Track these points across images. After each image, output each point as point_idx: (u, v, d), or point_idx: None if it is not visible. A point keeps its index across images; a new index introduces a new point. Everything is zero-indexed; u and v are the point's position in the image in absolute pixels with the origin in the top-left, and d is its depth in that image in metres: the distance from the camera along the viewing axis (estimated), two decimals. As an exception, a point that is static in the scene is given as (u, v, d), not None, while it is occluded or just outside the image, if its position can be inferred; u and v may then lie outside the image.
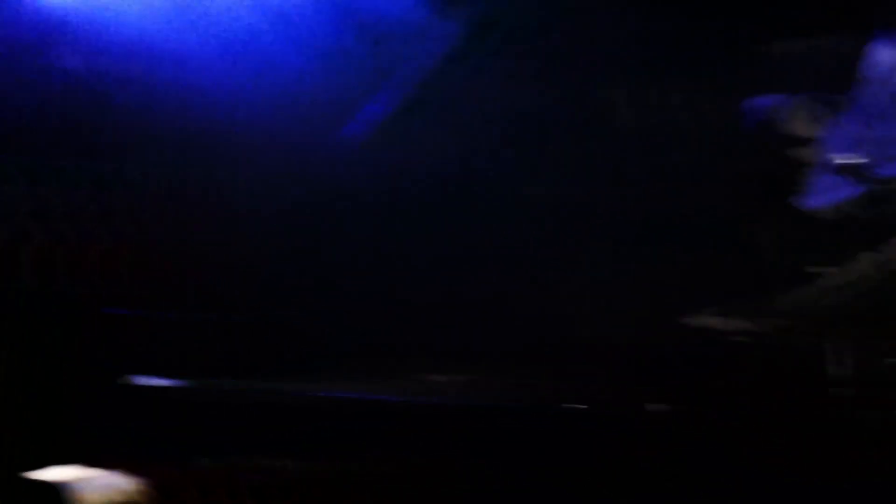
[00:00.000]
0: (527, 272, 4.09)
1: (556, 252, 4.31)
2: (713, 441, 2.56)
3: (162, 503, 3.03)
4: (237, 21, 3.92)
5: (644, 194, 5.05)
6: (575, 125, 4.62)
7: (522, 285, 4.16)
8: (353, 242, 3.88)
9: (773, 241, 2.78)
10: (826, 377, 2.83)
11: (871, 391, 4.77)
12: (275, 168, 3.92)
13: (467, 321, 3.54)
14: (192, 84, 3.88)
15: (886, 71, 5.02)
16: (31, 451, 3.27)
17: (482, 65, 4.20)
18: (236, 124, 3.91)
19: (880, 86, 5.00)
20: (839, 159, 2.63)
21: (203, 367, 3.44)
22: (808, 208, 4.67)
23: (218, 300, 3.68)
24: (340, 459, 3.07)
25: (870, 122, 5.10)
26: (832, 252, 2.93)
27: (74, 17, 3.88)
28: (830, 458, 2.44)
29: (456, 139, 4.09)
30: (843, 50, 5.21)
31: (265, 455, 3.15)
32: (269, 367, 3.43)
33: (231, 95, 3.93)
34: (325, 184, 3.89)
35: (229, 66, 3.92)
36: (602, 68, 4.84)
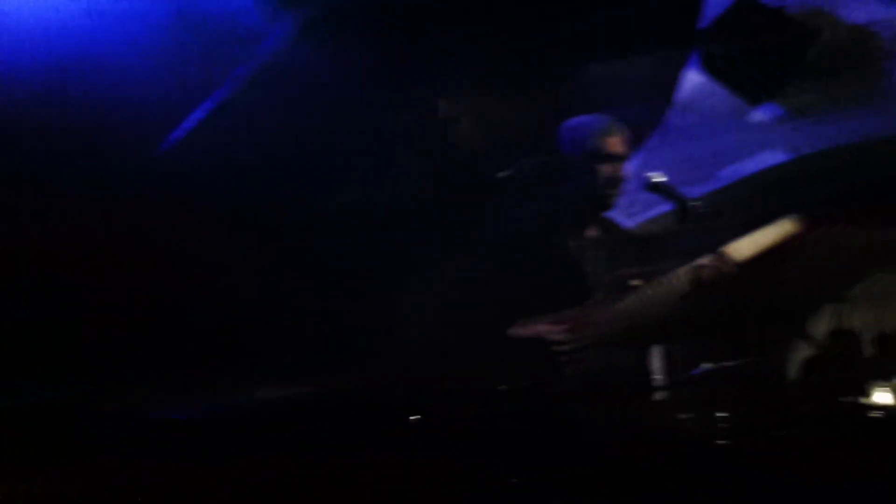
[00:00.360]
0: (354, 278, 4.12)
1: (381, 258, 4.36)
2: (542, 445, 2.66)
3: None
4: (61, 20, 3.68)
5: (473, 205, 5.19)
6: (394, 133, 4.70)
7: (354, 292, 4.17)
8: (174, 243, 3.75)
9: (595, 254, 2.93)
10: (644, 384, 2.99)
11: (687, 395, 5.13)
12: (93, 170, 3.73)
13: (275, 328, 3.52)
14: (11, 83, 3.63)
15: (696, 94, 5.41)
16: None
17: (311, 67, 4.18)
18: (55, 124, 3.69)
19: (690, 108, 5.38)
20: (651, 178, 2.79)
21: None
22: (624, 225, 4.96)
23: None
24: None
25: (679, 142, 5.48)
26: (650, 266, 3.11)
27: None
28: (652, 460, 2.58)
29: (280, 142, 4.05)
30: (655, 72, 5.58)
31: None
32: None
33: (51, 95, 3.69)
34: (138, 187, 3.75)
35: (53, 65, 3.69)
36: (425, 81, 4.95)
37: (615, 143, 2.80)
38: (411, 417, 3.12)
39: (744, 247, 2.74)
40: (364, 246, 4.24)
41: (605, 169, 2.78)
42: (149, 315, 3.58)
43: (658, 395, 4.97)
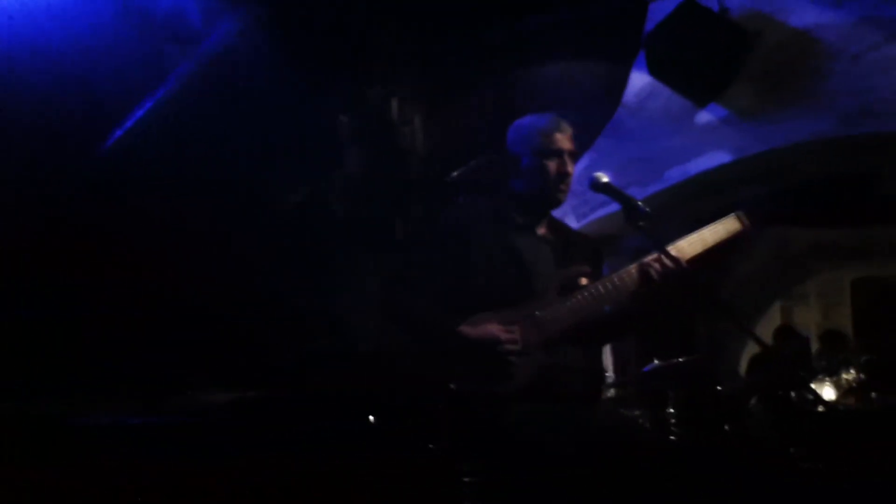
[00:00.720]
0: (299, 278, 4.10)
1: (327, 256, 4.34)
2: (493, 444, 2.67)
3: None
4: (7, 14, 3.59)
5: (422, 204, 5.20)
6: (342, 133, 4.69)
7: (301, 292, 4.15)
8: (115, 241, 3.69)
9: (545, 253, 2.94)
10: (595, 382, 3.01)
11: (638, 392, 5.18)
12: (32, 169, 3.64)
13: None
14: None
15: (642, 97, 5.48)
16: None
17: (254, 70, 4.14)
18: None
19: (636, 110, 5.45)
20: (598, 178, 2.81)
21: None
22: (573, 224, 5.00)
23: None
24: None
25: (627, 143, 5.55)
26: (598, 265, 3.13)
27: None
28: (604, 458, 2.62)
29: (221, 141, 4.00)
30: (603, 74, 5.65)
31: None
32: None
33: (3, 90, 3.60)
34: (79, 186, 3.67)
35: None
36: (373, 82, 4.94)
37: (561, 140, 2.79)
38: (367, 417, 3.10)
39: (689, 245, 2.79)
40: (310, 246, 4.22)
41: (552, 166, 2.78)
42: (86, 313, 3.51)
43: (610, 393, 5.03)
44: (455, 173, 5.10)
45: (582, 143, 4.82)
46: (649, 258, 2.72)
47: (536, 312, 2.68)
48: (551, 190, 2.81)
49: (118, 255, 3.63)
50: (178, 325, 3.62)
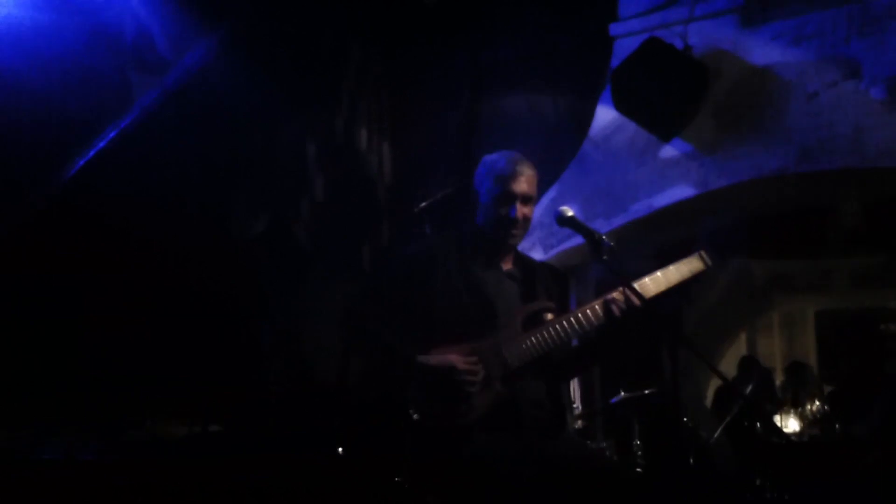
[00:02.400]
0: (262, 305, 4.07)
1: (290, 284, 4.32)
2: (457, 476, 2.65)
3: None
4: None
5: (386, 233, 5.21)
6: (308, 162, 4.68)
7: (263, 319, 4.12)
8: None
9: (509, 287, 2.96)
10: (559, 414, 3.02)
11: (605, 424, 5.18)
12: None
13: None
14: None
15: (607, 131, 5.55)
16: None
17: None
18: None
19: (601, 144, 5.52)
20: (563, 212, 2.84)
21: None
22: (538, 257, 5.03)
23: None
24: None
25: (591, 176, 5.61)
26: (563, 298, 3.16)
27: None
28: (568, 490, 2.62)
29: (185, 169, 3.98)
30: (569, 107, 5.72)
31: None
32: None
33: None
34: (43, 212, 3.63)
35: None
36: (340, 111, 4.97)
37: (514, 184, 2.81)
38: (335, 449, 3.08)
39: (653, 283, 2.82)
40: (274, 273, 4.19)
41: (502, 210, 2.80)
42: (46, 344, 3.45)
43: (576, 424, 5.03)
44: (424, 203, 5.12)
45: (548, 175, 4.86)
46: (613, 294, 2.75)
47: (500, 346, 2.69)
48: (501, 233, 2.83)
49: (77, 283, 3.58)
50: (136, 356, 3.58)
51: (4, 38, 3.62)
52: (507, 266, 2.94)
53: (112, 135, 3.76)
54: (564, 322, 2.76)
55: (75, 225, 3.68)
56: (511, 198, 2.81)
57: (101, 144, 3.74)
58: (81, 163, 3.71)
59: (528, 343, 2.72)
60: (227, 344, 3.86)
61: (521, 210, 2.83)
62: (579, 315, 2.76)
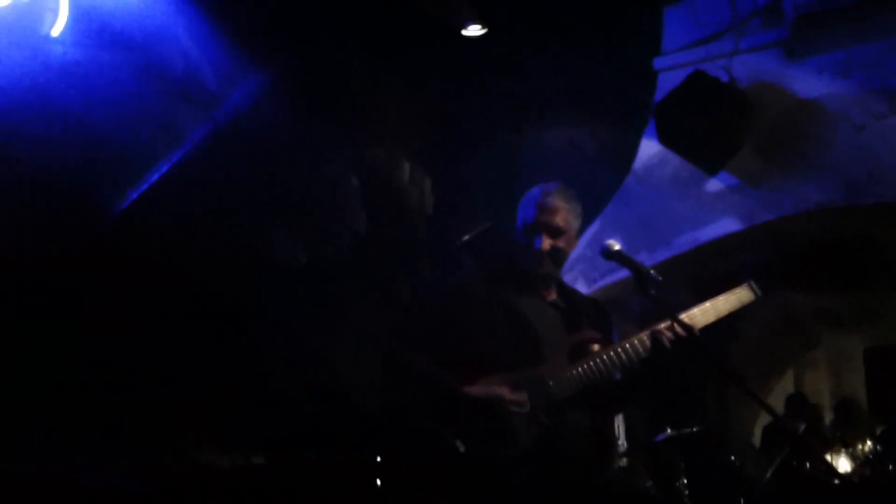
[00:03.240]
0: (309, 337, 4.10)
1: (336, 318, 4.33)
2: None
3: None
4: (29, 76, 3.66)
5: (429, 267, 5.21)
6: (351, 196, 4.72)
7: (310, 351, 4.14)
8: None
9: (554, 318, 2.95)
10: (604, 449, 2.98)
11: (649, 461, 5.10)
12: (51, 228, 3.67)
13: None
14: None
15: (651, 164, 5.53)
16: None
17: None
18: (14, 175, 3.64)
19: (645, 177, 5.49)
20: (608, 245, 2.82)
21: None
22: (583, 290, 4.99)
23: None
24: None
25: (634, 210, 5.57)
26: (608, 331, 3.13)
27: None
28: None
29: (235, 204, 4.03)
30: (613, 140, 5.71)
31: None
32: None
33: (11, 147, 3.65)
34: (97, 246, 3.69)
35: (22, 120, 3.66)
36: (382, 146, 5.01)
37: (546, 216, 2.81)
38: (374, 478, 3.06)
39: (703, 314, 2.78)
40: (316, 307, 4.21)
41: (531, 240, 2.79)
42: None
43: (620, 462, 4.95)
44: (466, 237, 5.13)
45: (590, 209, 4.84)
46: (661, 326, 2.71)
47: (545, 377, 2.66)
48: (533, 265, 2.82)
49: (125, 316, 3.63)
50: (181, 386, 3.60)
51: (60, 76, 3.71)
52: (551, 297, 2.92)
53: (164, 169, 3.83)
54: (612, 353, 2.72)
55: (125, 258, 3.74)
56: (538, 228, 2.80)
57: (153, 179, 3.81)
58: (134, 197, 3.78)
59: (574, 374, 2.69)
60: (270, 374, 3.88)
61: (548, 242, 2.80)
62: (627, 346, 2.73)
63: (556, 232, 2.81)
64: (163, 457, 3.37)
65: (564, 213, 2.84)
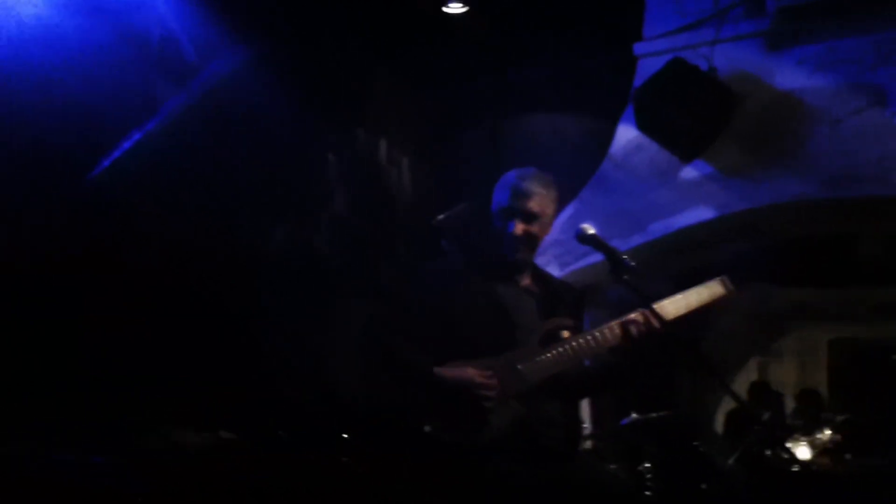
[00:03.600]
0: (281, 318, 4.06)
1: (310, 298, 4.30)
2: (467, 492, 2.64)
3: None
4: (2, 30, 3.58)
5: (406, 249, 5.19)
6: (329, 175, 4.68)
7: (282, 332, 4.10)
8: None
9: (525, 303, 2.95)
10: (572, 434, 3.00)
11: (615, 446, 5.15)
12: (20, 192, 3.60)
13: None
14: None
15: (628, 150, 5.53)
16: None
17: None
18: None
19: (622, 163, 5.50)
20: (583, 229, 2.81)
21: None
22: (556, 274, 5.00)
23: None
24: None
25: (610, 196, 5.58)
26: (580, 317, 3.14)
27: None
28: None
29: (208, 178, 3.97)
30: (590, 127, 5.71)
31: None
32: None
33: None
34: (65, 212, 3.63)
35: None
36: (363, 126, 4.97)
37: (522, 201, 2.79)
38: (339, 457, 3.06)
39: (674, 306, 2.79)
40: (294, 286, 4.18)
41: (507, 226, 2.78)
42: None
43: (586, 445, 5.00)
44: (440, 217, 5.11)
45: (566, 193, 4.85)
46: (632, 315, 2.72)
47: (516, 362, 2.67)
48: (507, 250, 2.81)
49: (95, 287, 3.58)
50: (156, 362, 3.57)
51: (33, 37, 3.63)
52: (525, 282, 2.91)
53: (137, 137, 3.76)
54: (582, 340, 2.73)
55: (95, 226, 3.68)
56: (513, 212, 2.79)
57: (127, 146, 3.75)
58: (106, 164, 3.71)
59: (546, 360, 2.69)
60: (236, 350, 3.85)
61: (521, 227, 2.79)
62: (598, 334, 2.74)
63: (530, 217, 2.80)
64: (136, 436, 3.34)
65: (539, 199, 2.82)
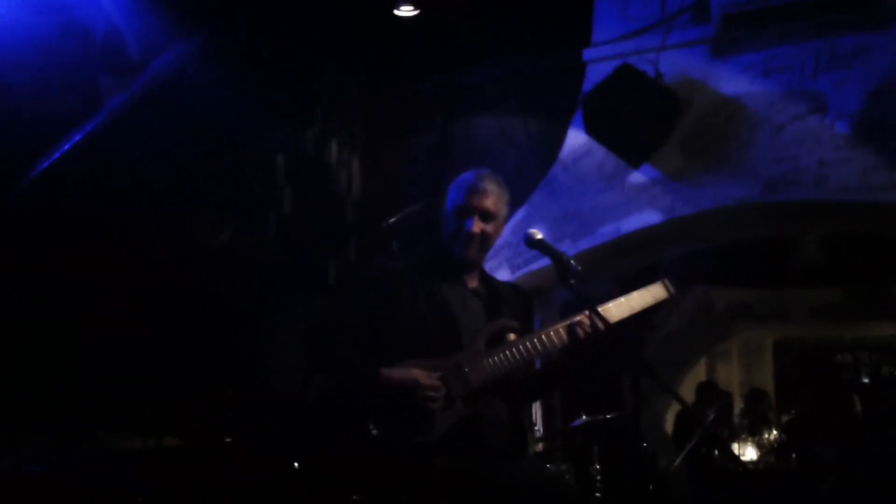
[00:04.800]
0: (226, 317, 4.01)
1: (256, 297, 4.26)
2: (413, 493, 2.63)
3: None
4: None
5: (352, 248, 5.16)
6: (277, 173, 4.64)
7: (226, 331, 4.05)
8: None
9: (472, 305, 2.96)
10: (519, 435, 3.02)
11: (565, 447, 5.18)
12: None
13: None
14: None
15: (577, 154, 5.59)
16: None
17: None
18: None
19: (571, 167, 5.55)
20: (531, 234, 2.84)
21: None
22: (505, 277, 5.03)
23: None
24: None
25: (559, 199, 5.64)
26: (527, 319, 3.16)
27: None
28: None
29: (153, 176, 3.91)
30: (540, 130, 5.75)
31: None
32: None
33: None
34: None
35: None
36: (313, 123, 4.92)
37: (476, 200, 2.81)
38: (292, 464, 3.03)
39: (617, 308, 2.83)
40: (239, 286, 4.13)
41: (463, 225, 2.80)
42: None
43: (536, 447, 5.03)
44: (392, 219, 5.10)
45: (517, 197, 4.87)
46: (577, 318, 2.75)
47: (462, 363, 2.67)
48: (456, 245, 2.82)
49: (35, 286, 3.50)
50: (96, 366, 3.50)
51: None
52: (472, 284, 2.92)
53: (78, 137, 3.68)
54: (528, 343, 2.74)
55: (35, 226, 3.60)
56: (470, 211, 2.80)
57: (67, 147, 3.67)
58: (46, 164, 3.63)
59: (491, 362, 2.70)
60: (189, 355, 3.79)
61: (479, 225, 2.81)
62: (543, 337, 2.76)
63: (486, 216, 2.82)
64: (73, 438, 3.27)
65: (495, 198, 2.84)
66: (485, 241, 2.84)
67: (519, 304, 2.97)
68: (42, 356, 3.43)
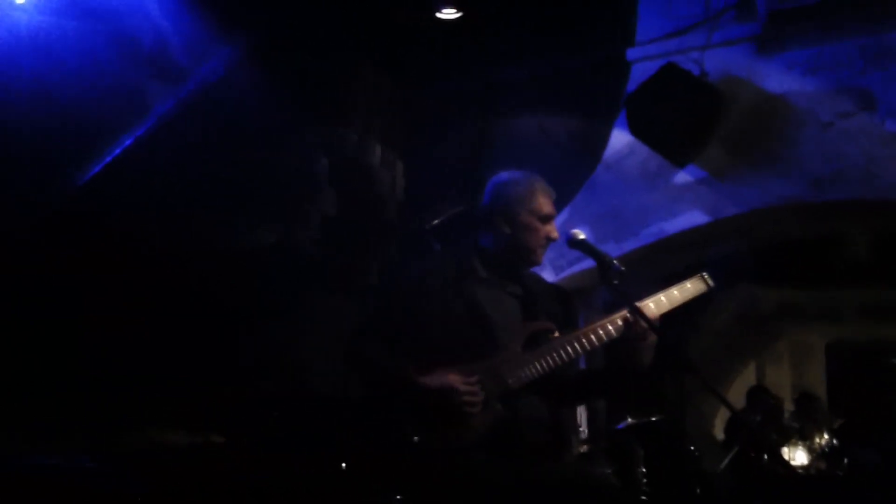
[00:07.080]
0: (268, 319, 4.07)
1: (297, 299, 4.30)
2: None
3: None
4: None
5: (395, 251, 5.19)
6: (320, 176, 4.69)
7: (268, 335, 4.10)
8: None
9: (516, 306, 2.96)
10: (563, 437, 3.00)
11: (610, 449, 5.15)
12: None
13: None
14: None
15: (620, 154, 5.55)
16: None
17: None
18: None
19: (614, 167, 5.52)
20: (574, 235, 2.83)
21: None
22: (549, 278, 5.01)
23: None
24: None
25: (602, 200, 5.60)
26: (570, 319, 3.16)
27: None
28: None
29: (199, 181, 3.98)
30: (583, 130, 5.72)
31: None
32: None
33: None
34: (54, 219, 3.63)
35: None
36: (353, 127, 4.97)
37: (543, 205, 2.82)
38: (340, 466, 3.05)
39: (657, 304, 2.80)
40: (281, 287, 4.19)
41: (534, 231, 2.80)
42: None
43: (581, 449, 5.01)
44: (435, 221, 5.12)
45: (559, 197, 4.87)
46: (616, 316, 2.73)
47: (500, 366, 2.67)
48: (529, 253, 2.83)
49: (84, 288, 3.58)
50: (140, 363, 3.57)
51: (26, 43, 3.64)
52: (513, 285, 2.92)
53: (128, 143, 3.77)
54: (566, 343, 2.73)
55: (85, 230, 3.69)
56: (550, 219, 2.84)
57: (117, 152, 3.76)
58: (96, 169, 3.72)
59: (528, 363, 2.69)
60: (225, 350, 3.86)
61: (554, 230, 2.86)
62: (581, 336, 2.74)
63: (552, 219, 2.85)
64: (121, 435, 3.34)
65: (552, 201, 2.89)
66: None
67: (557, 304, 2.95)
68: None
